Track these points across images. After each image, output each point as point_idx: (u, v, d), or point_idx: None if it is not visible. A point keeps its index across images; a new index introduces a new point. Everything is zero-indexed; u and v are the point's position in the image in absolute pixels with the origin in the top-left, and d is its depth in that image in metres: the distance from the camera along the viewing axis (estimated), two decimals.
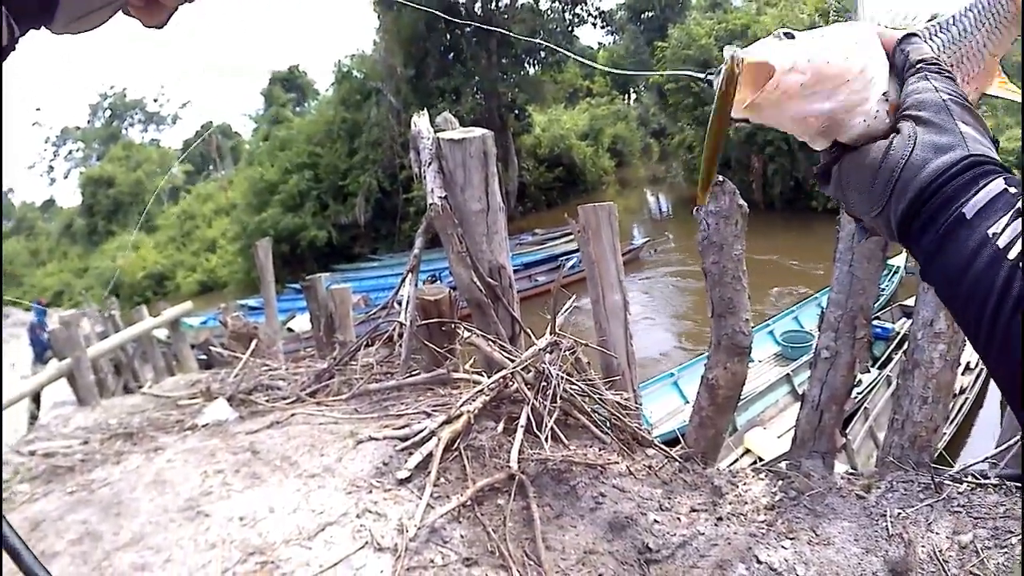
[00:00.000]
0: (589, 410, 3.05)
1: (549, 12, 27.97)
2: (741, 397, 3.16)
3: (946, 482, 2.40)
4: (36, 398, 8.11)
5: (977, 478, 2.41)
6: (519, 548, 2.27)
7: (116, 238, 38.05)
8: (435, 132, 3.68)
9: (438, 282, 4.62)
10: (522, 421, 2.84)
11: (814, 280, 12.16)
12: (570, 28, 28.74)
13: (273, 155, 28.66)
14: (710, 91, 0.64)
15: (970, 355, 6.19)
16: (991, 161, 0.56)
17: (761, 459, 6.18)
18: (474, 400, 3.01)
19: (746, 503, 2.51)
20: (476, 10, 25.99)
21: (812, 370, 2.77)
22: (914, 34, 0.68)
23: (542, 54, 27.48)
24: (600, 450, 2.88)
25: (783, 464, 2.97)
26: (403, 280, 4.02)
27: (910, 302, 7.58)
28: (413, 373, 3.78)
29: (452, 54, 26.17)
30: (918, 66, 0.64)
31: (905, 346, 3.00)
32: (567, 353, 3.08)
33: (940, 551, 2.11)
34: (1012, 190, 0.52)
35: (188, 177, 48.14)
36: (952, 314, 0.56)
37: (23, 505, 3.19)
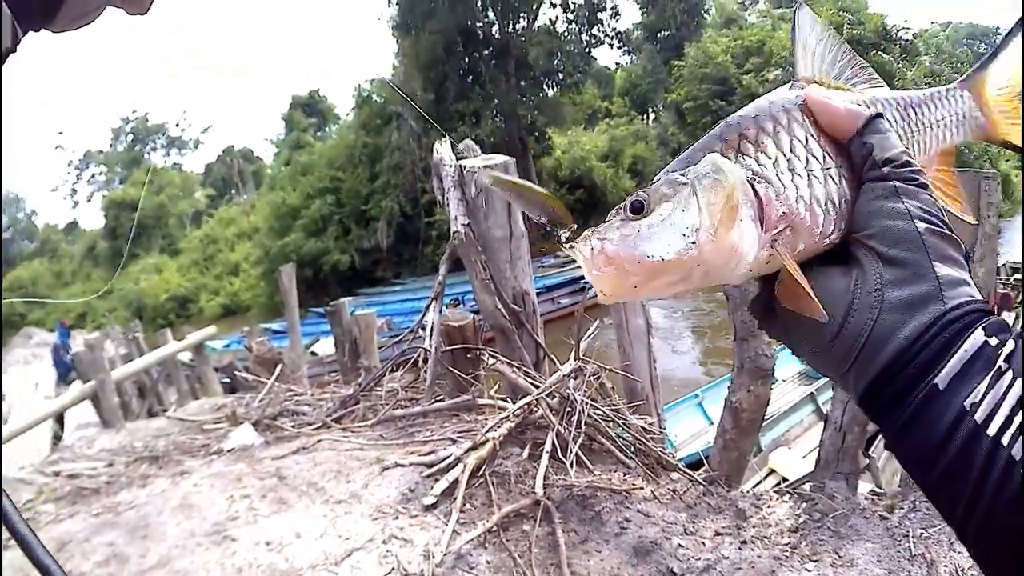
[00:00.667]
0: (614, 435, 3.05)
1: (566, 34, 28.26)
2: (765, 417, 3.15)
3: None
4: (60, 419, 8.23)
5: None
6: (545, 574, 2.28)
7: (140, 260, 38.62)
8: (457, 159, 3.73)
9: (461, 306, 4.65)
10: (547, 447, 2.85)
11: None
12: (587, 49, 29.00)
13: (295, 180, 29.02)
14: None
15: None
16: (969, 306, 0.47)
17: (786, 479, 6.09)
18: (499, 426, 3.02)
19: (770, 526, 2.50)
20: (494, 33, 26.29)
21: (834, 391, 2.76)
22: (880, 115, 0.55)
23: (560, 75, 27.65)
24: (625, 475, 2.88)
25: (807, 486, 2.96)
26: (427, 307, 4.06)
27: None
28: (438, 399, 3.80)
29: (471, 77, 26.47)
30: (885, 171, 0.52)
31: None
32: (591, 378, 3.09)
33: (962, 571, 2.10)
34: (993, 341, 0.45)
35: (211, 201, 48.96)
36: (924, 493, 0.48)
37: (48, 525, 3.23)
